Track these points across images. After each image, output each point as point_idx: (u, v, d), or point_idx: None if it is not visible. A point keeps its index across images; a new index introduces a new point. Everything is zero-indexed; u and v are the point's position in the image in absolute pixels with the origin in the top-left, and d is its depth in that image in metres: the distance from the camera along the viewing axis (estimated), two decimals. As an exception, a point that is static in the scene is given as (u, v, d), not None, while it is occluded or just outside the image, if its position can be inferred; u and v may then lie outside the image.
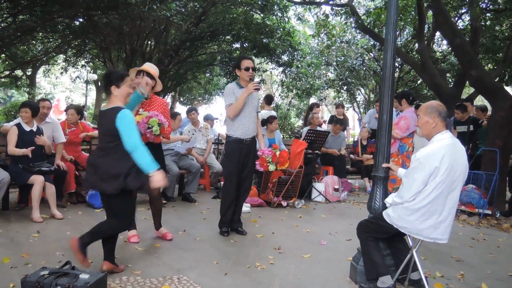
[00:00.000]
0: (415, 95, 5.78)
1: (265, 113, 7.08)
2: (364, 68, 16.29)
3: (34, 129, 5.09)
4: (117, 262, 3.53)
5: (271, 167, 4.91)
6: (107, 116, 3.08)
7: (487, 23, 10.28)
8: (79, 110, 6.28)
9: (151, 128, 3.83)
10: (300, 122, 18.55)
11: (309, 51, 15.82)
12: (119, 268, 3.31)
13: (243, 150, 4.46)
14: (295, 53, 13.44)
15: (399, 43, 13.47)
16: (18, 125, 4.99)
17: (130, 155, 3.01)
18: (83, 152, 6.41)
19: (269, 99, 8.08)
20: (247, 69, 4.44)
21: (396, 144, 5.21)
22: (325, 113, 23.70)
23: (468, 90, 14.94)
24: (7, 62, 15.16)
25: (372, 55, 15.75)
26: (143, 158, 2.98)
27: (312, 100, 18.37)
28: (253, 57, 13.84)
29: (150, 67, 4.15)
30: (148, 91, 3.98)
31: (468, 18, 10.87)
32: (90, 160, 3.25)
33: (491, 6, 9.62)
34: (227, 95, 4.52)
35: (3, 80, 17.57)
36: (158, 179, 2.97)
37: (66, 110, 6.21)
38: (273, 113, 8.11)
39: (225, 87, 4.74)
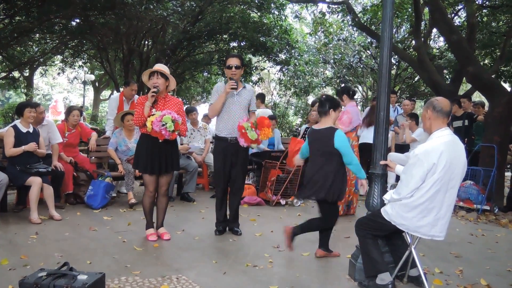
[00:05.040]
0: (355, 90, 5.85)
1: (260, 111, 7.07)
2: (362, 66, 16.26)
3: (31, 130, 5.07)
4: (115, 262, 3.54)
5: (251, 135, 4.30)
6: (325, 134, 3.64)
7: (483, 19, 10.27)
8: (81, 112, 6.37)
9: (165, 125, 3.89)
10: (298, 121, 18.52)
11: (306, 49, 15.78)
12: (334, 254, 3.89)
13: (229, 149, 4.42)
14: (293, 51, 13.41)
15: (396, 40, 13.46)
16: (14, 127, 4.97)
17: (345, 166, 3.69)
18: (80, 153, 6.41)
19: (263, 97, 8.05)
20: (229, 67, 4.42)
21: None
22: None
23: (465, 87, 14.95)
24: (4, 64, 15.11)
25: (369, 53, 15.72)
26: (359, 170, 3.64)
27: (311, 98, 18.35)
28: (251, 56, 13.87)
29: (161, 67, 4.23)
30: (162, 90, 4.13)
31: (464, 14, 10.87)
32: (309, 174, 3.74)
33: (487, 2, 9.63)
34: (212, 94, 4.60)
35: (0, 81, 17.54)
36: (365, 184, 3.68)
37: (68, 111, 6.14)
38: (269, 111, 8.11)
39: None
